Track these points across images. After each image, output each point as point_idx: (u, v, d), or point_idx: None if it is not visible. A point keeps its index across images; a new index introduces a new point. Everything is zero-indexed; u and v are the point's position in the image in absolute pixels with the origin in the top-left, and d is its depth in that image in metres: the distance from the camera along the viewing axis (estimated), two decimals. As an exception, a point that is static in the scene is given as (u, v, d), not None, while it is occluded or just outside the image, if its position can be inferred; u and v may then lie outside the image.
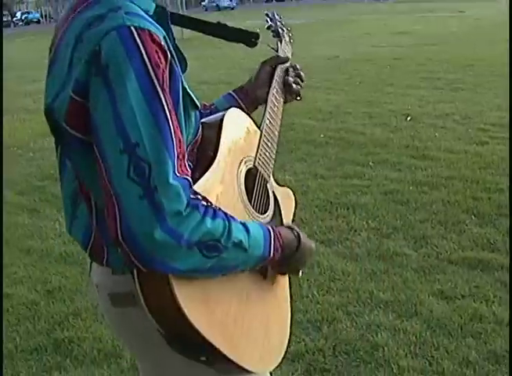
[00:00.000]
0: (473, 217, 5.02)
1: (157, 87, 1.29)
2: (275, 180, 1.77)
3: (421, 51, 16.73)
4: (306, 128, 8.25)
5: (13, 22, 75.40)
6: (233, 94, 1.89)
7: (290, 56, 1.96)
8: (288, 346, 1.67)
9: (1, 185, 5.43)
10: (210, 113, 1.71)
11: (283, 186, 1.80)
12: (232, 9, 70.69)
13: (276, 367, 1.61)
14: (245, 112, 1.76)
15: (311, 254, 1.60)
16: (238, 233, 1.35)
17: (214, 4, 74.86)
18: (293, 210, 1.83)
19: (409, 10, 38.92)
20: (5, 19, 72.75)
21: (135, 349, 1.65)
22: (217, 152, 1.51)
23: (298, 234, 1.55)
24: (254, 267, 1.45)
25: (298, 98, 1.93)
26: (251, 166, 1.63)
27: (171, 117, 1.30)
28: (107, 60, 1.28)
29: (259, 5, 68.26)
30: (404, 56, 15.78)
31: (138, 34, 1.29)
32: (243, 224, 1.39)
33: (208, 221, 1.29)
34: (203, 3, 79.57)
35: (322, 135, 7.87)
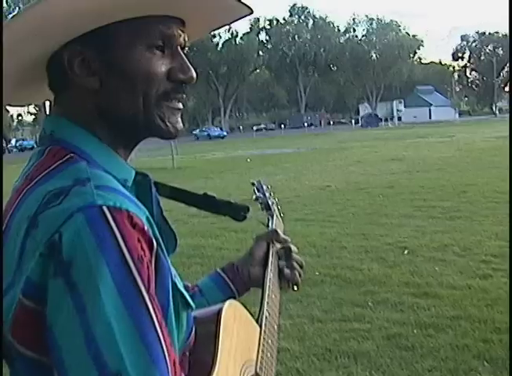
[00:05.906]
0: (485, 363, 4.61)
1: (141, 288, 0.93)
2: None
3: (413, 178, 16.77)
4: (300, 265, 7.89)
5: (7, 149, 76.83)
6: (221, 273, 1.58)
7: (284, 235, 1.67)
8: None
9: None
10: (193, 297, 1.32)
11: None
12: (223, 137, 72.48)
13: None
14: (234, 295, 1.50)
15: None
16: None
17: (206, 133, 77.16)
18: None
19: (400, 136, 39.61)
20: (-2, 145, 74.90)
21: None
22: (215, 358, 1.17)
23: None
24: None
25: (295, 288, 1.64)
26: (253, 373, 1.30)
27: (160, 328, 0.94)
28: (70, 255, 0.91)
29: (250, 134, 69.54)
30: (396, 183, 15.70)
31: (114, 217, 0.94)
32: None
33: None
34: (194, 132, 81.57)
35: (317, 273, 7.48)
